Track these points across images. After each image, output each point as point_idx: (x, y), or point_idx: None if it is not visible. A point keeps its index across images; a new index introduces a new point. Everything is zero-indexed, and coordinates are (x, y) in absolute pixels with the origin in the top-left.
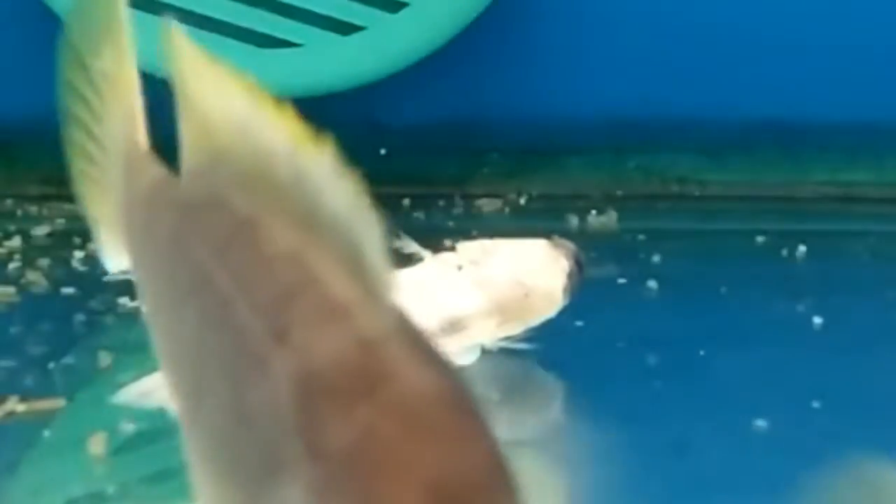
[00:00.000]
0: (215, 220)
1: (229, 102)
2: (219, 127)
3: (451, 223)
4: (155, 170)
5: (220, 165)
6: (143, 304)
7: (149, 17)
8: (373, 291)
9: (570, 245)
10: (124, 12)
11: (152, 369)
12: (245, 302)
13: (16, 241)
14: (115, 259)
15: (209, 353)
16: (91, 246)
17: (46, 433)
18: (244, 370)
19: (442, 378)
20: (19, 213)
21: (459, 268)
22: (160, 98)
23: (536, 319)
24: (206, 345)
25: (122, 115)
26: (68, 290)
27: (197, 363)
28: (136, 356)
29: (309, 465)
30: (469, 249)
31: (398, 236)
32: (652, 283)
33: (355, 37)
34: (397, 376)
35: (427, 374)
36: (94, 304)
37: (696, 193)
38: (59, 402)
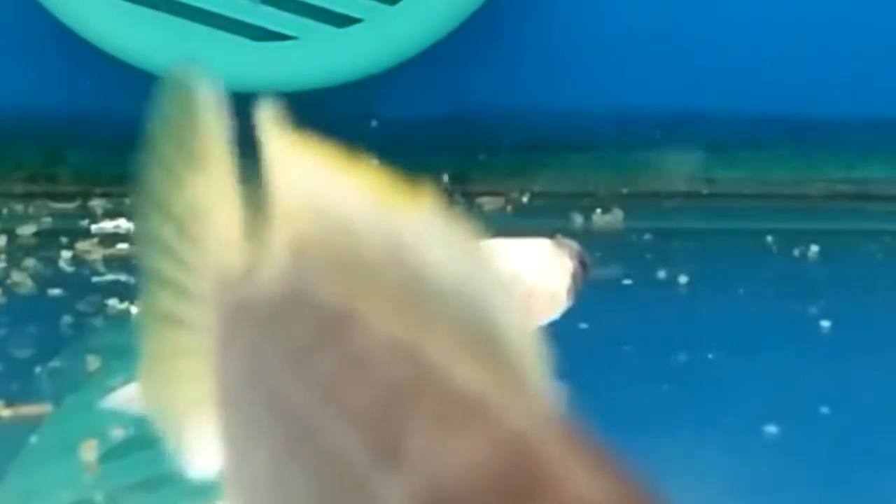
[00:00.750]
0: (298, 321)
1: (315, 186)
2: (303, 215)
3: None
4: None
5: (306, 258)
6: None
7: (146, 11)
8: (511, 378)
9: (575, 244)
10: (221, 128)
11: None
12: (335, 414)
13: (1, 241)
14: (201, 454)
15: (288, 491)
16: (78, 245)
17: (33, 439)
18: None
19: (616, 483)
20: (5, 211)
21: None
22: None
23: (539, 321)
24: (282, 481)
25: (218, 246)
26: (55, 292)
27: None
28: (125, 360)
29: None
30: None
31: None
32: (658, 284)
33: (352, 29)
34: (559, 484)
35: (597, 478)
36: (81, 305)
37: (704, 192)
38: (45, 408)
